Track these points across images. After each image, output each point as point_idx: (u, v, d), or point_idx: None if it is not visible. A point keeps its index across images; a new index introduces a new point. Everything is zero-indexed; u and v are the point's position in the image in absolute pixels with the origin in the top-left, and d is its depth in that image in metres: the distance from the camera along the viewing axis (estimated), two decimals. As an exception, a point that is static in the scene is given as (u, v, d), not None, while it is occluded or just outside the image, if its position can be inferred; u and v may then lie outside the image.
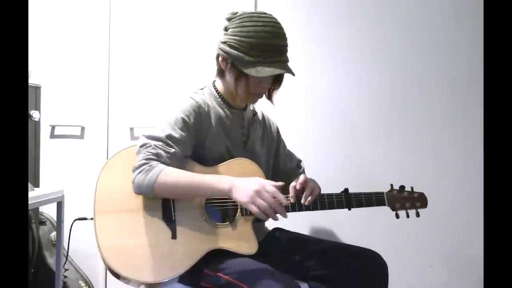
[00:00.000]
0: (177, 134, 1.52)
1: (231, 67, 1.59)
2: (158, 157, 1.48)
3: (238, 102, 1.70)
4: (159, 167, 1.47)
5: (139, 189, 1.48)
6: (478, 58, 2.32)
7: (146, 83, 2.63)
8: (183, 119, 1.55)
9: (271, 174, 1.78)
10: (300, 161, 1.87)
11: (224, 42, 1.58)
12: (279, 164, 1.81)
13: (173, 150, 1.51)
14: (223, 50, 1.58)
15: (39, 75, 2.53)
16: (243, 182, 1.45)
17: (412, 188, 1.68)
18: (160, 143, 1.50)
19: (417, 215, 1.65)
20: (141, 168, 1.47)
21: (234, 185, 1.44)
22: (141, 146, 1.52)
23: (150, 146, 1.50)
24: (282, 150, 1.83)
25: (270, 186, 1.43)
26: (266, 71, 1.54)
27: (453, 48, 2.54)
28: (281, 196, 1.43)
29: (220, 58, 1.61)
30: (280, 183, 1.48)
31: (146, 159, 1.48)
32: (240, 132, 1.69)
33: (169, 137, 1.51)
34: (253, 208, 1.40)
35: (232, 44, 1.56)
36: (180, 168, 1.52)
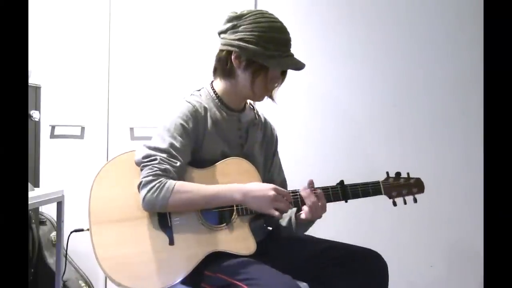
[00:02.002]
0: (178, 142, 1.52)
1: (247, 64, 1.59)
2: (166, 173, 1.48)
3: (243, 102, 1.70)
4: (169, 183, 1.46)
5: (152, 208, 1.48)
6: (478, 58, 2.32)
7: (146, 83, 2.63)
8: (182, 125, 1.54)
9: None
10: (286, 182, 1.85)
11: (239, 39, 1.57)
12: (268, 172, 1.79)
13: (178, 163, 1.51)
14: (239, 47, 1.57)
15: (39, 75, 2.53)
16: (255, 190, 1.53)
17: (408, 174, 1.67)
18: (165, 155, 1.49)
19: (415, 201, 1.64)
20: (151, 185, 1.46)
21: (247, 195, 1.52)
22: (144, 158, 1.50)
23: (156, 160, 1.48)
24: (275, 158, 1.82)
25: (280, 188, 1.56)
26: (287, 64, 1.60)
27: (453, 48, 2.54)
28: (290, 197, 1.57)
29: (233, 56, 1.60)
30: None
31: (154, 175, 1.47)
32: (237, 134, 1.69)
33: (172, 146, 1.51)
34: (274, 213, 1.52)
35: (250, 39, 1.56)
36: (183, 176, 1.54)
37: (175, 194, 1.46)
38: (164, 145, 1.50)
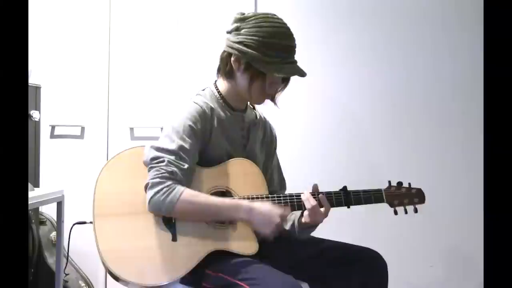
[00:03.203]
0: (187, 144, 1.51)
1: (245, 67, 1.58)
2: (173, 175, 1.47)
3: (245, 102, 1.70)
4: (177, 190, 1.46)
5: (157, 210, 1.47)
6: (478, 58, 2.32)
7: (146, 83, 2.63)
8: (190, 126, 1.54)
9: None
10: (284, 181, 1.85)
11: (239, 42, 1.57)
12: (267, 172, 1.79)
13: (186, 165, 1.50)
14: (238, 50, 1.57)
15: (39, 75, 2.53)
16: (262, 213, 1.52)
17: (409, 184, 1.69)
18: (173, 157, 1.49)
19: (415, 210, 1.66)
20: (158, 188, 1.45)
21: (252, 214, 1.52)
22: (152, 160, 1.49)
23: (164, 161, 1.48)
24: (274, 158, 1.82)
25: (285, 213, 1.55)
26: (285, 71, 1.57)
27: (453, 48, 2.54)
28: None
29: (232, 59, 1.60)
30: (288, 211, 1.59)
31: (161, 177, 1.46)
32: (240, 134, 1.69)
33: (181, 148, 1.50)
34: (271, 237, 1.53)
35: (250, 44, 1.55)
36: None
37: (182, 202, 1.46)
38: (173, 146, 1.50)
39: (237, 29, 1.60)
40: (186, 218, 1.51)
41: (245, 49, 1.56)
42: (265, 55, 1.54)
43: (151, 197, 1.46)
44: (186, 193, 1.47)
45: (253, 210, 1.51)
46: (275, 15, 1.61)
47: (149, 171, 1.50)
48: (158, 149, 1.51)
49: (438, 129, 2.54)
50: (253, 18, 1.58)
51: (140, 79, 2.64)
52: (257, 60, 1.55)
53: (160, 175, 1.46)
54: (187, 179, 1.51)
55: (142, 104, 2.64)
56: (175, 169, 1.48)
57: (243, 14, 1.61)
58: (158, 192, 1.45)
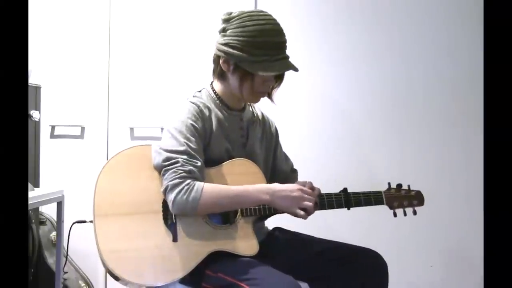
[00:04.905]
0: (192, 143, 1.52)
1: (234, 68, 1.58)
2: (191, 174, 1.48)
3: (243, 102, 1.70)
4: (198, 185, 1.47)
5: (182, 210, 1.47)
6: (478, 58, 2.32)
7: (146, 83, 2.63)
8: (192, 125, 1.54)
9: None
10: (293, 166, 1.86)
11: (225, 44, 1.56)
12: (276, 165, 1.80)
13: (199, 162, 1.51)
14: (224, 52, 1.57)
15: (39, 75, 2.53)
16: (281, 191, 1.53)
17: (409, 186, 1.69)
18: (185, 156, 1.49)
19: (414, 213, 1.67)
20: (179, 188, 1.45)
21: (274, 195, 1.52)
22: (165, 161, 1.49)
23: (178, 162, 1.48)
24: (279, 151, 1.83)
25: (306, 188, 1.55)
26: (274, 69, 1.55)
27: (453, 48, 2.54)
28: (316, 196, 1.57)
29: (221, 60, 1.60)
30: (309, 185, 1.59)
31: (180, 177, 1.46)
32: (239, 133, 1.69)
33: (190, 147, 1.51)
34: (300, 212, 1.52)
35: (235, 45, 1.54)
36: None
37: (205, 195, 1.47)
38: (181, 147, 1.50)
39: (223, 30, 1.60)
40: (211, 211, 1.53)
41: (231, 51, 1.55)
42: (252, 55, 1.53)
43: (174, 199, 1.45)
44: (207, 187, 1.48)
45: (273, 191, 1.53)
46: (261, 12, 1.59)
47: (163, 174, 1.49)
48: (168, 151, 1.50)
49: (438, 129, 2.54)
50: (237, 18, 1.57)
51: (140, 79, 2.64)
52: (244, 60, 1.54)
53: (178, 176, 1.46)
54: (202, 176, 1.52)
55: (142, 104, 2.64)
56: (191, 167, 1.48)
57: (230, 14, 1.61)
58: (179, 192, 1.45)
